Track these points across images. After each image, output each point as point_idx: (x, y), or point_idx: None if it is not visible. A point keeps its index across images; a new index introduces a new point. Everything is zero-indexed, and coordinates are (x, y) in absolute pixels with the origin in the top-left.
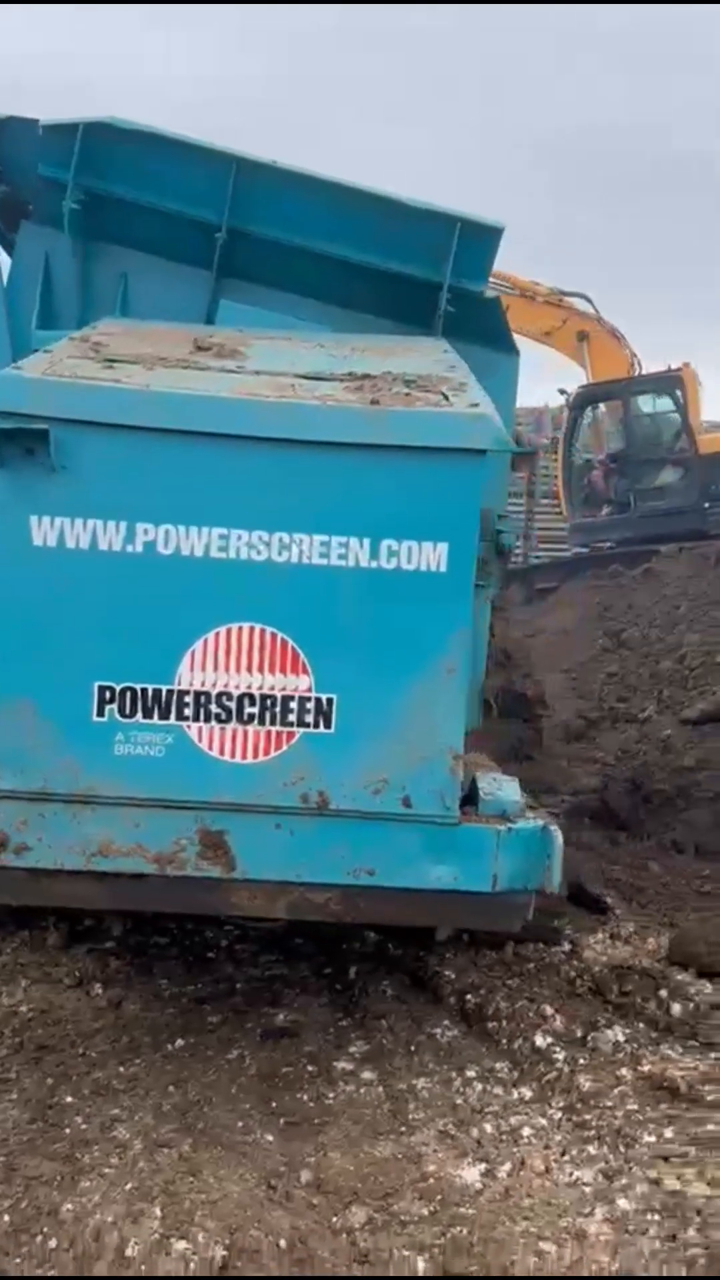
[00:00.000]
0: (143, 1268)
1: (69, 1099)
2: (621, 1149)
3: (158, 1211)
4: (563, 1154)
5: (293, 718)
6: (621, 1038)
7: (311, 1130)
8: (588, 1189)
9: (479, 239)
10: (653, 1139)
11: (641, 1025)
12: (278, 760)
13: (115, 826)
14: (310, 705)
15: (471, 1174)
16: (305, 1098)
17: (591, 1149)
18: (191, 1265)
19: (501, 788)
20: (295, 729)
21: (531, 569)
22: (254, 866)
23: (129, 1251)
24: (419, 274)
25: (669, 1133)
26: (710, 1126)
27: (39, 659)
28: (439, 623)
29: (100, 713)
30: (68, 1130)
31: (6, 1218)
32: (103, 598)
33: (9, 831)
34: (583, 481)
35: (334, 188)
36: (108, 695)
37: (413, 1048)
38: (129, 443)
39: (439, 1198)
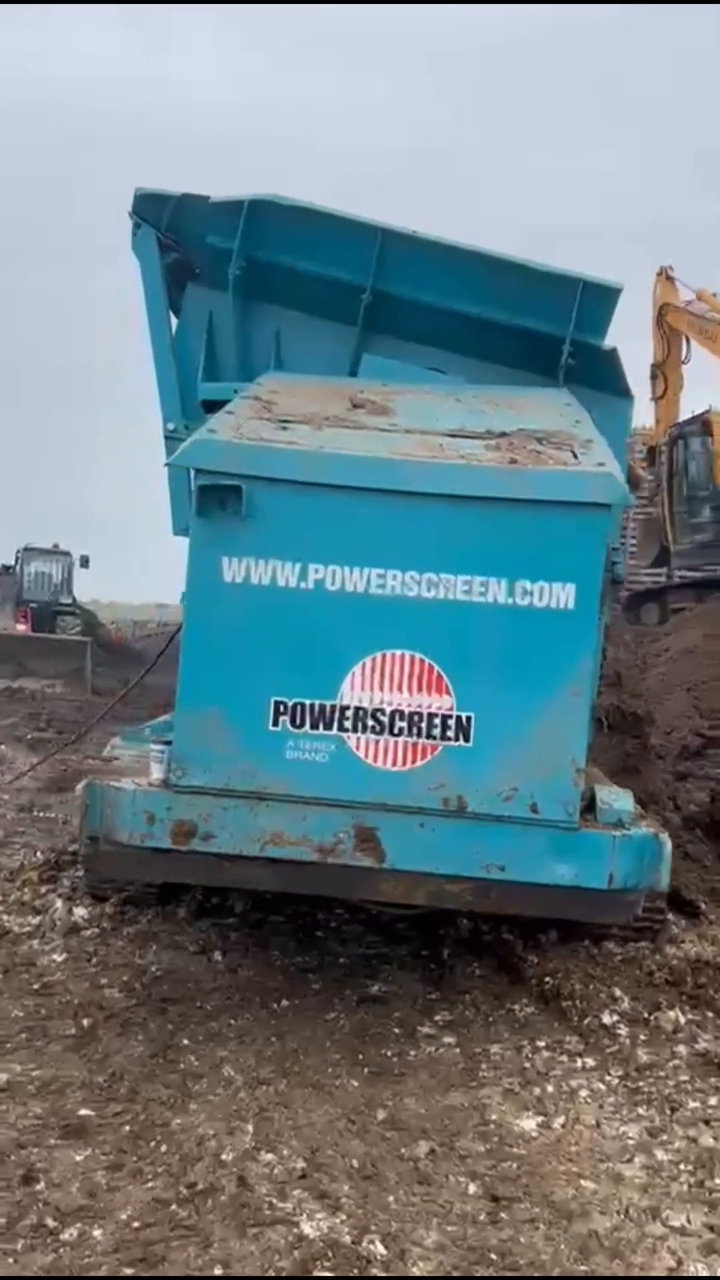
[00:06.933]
0: (234, 1170)
1: (185, 1042)
2: (667, 1111)
3: (249, 1129)
4: (614, 1113)
5: (436, 732)
6: (683, 1019)
7: (391, 1080)
8: (631, 1142)
9: (599, 298)
10: (696, 1105)
11: (710, 1014)
12: (423, 768)
13: (285, 820)
14: (452, 722)
15: (529, 1123)
16: (389, 1053)
17: (641, 1110)
18: (275, 1171)
19: (617, 799)
20: (438, 742)
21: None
22: (400, 859)
23: (224, 1156)
24: (544, 329)
25: (714, 1100)
26: None
27: (227, 675)
28: (566, 653)
29: (275, 723)
30: (182, 1066)
31: (128, 1128)
32: (280, 626)
33: (197, 822)
34: None
35: (470, 254)
36: (281, 709)
37: (491, 1019)
38: (305, 496)
39: (496, 1139)
